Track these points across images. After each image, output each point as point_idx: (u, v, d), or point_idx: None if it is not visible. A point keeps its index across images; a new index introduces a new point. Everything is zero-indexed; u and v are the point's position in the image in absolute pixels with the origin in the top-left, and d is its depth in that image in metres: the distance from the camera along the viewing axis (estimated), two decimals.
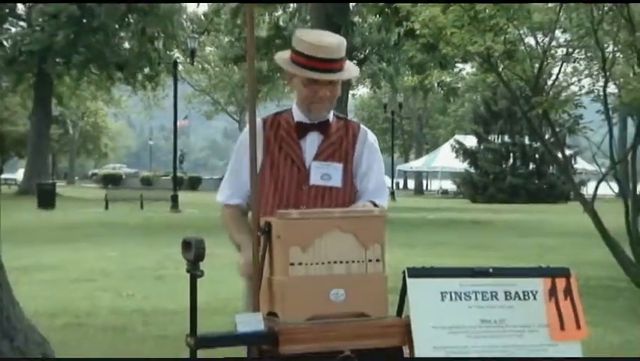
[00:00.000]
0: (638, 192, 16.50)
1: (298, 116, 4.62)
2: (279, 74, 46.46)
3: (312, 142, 4.60)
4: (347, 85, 33.42)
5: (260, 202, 4.36)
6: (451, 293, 4.01)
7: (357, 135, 4.66)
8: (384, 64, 45.42)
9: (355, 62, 41.38)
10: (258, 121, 4.61)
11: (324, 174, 4.54)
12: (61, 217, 32.37)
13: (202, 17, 53.45)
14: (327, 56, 4.49)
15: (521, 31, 17.07)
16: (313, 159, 4.57)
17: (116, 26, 51.44)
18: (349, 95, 37.88)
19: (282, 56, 4.70)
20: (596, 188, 17.69)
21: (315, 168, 4.55)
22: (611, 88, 17.76)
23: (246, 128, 4.52)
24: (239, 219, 4.65)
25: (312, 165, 4.56)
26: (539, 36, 17.57)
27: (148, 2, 48.34)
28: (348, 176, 4.59)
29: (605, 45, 16.50)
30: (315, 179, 4.54)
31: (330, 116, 4.64)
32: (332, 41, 4.53)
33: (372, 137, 4.74)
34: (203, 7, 52.95)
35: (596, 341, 9.12)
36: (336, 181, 4.55)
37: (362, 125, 4.77)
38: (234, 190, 4.67)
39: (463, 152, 62.30)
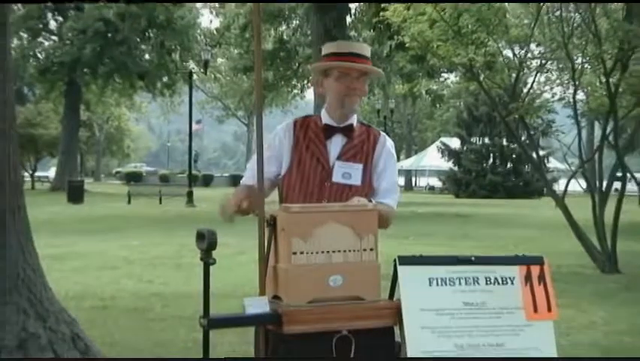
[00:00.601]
0: (603, 189, 16.52)
1: (326, 119, 4.65)
2: (283, 83, 46.50)
3: (336, 143, 4.62)
4: None
5: (287, 195, 4.55)
6: (437, 279, 4.02)
7: (377, 140, 4.67)
8: None
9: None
10: (290, 122, 4.74)
11: (345, 172, 4.56)
12: (88, 211, 32.38)
13: (214, 32, 53.33)
14: (359, 52, 4.61)
15: (500, 45, 17.08)
16: (336, 159, 4.59)
17: (138, 40, 51.46)
18: None
19: (316, 64, 4.86)
20: (567, 185, 17.70)
21: (337, 167, 4.57)
22: (580, 95, 17.79)
23: (280, 126, 4.74)
24: (244, 192, 4.57)
25: (336, 164, 4.58)
26: (516, 49, 17.58)
27: (164, 2, 48.03)
28: (367, 176, 4.59)
29: (575, 57, 16.52)
30: (337, 177, 4.55)
31: (355, 122, 4.67)
32: (361, 44, 4.74)
33: (390, 143, 4.75)
34: (216, 22, 53.12)
35: (566, 322, 9.14)
36: (356, 180, 4.56)
37: (382, 132, 4.78)
38: (253, 174, 4.66)
39: (448, 152, 62.29)
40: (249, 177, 4.60)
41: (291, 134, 4.62)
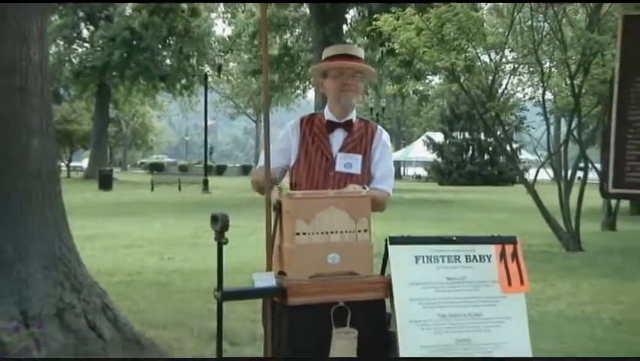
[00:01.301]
0: (568, 178, 16.54)
1: (329, 116, 4.66)
2: (287, 84, 46.45)
3: (338, 137, 4.63)
4: None
5: (296, 183, 4.57)
6: (423, 257, 4.02)
7: (374, 133, 4.68)
8: None
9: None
10: (297, 120, 4.75)
11: (347, 163, 4.57)
12: (116, 197, 32.38)
13: (227, 39, 53.27)
14: (352, 53, 4.65)
15: (478, 51, 17.05)
16: (338, 151, 4.60)
17: (160, 47, 51.40)
18: None
19: (316, 66, 4.90)
20: (536, 174, 17.73)
21: (339, 159, 4.58)
22: (548, 95, 17.80)
23: (290, 122, 4.75)
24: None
25: (338, 155, 4.58)
26: (492, 54, 17.55)
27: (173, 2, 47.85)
28: (366, 165, 4.60)
29: (543, 62, 16.53)
30: (339, 167, 4.56)
31: (354, 117, 4.67)
32: (355, 47, 4.78)
33: (385, 135, 4.75)
34: (228, 31, 53.00)
35: (536, 294, 9.16)
36: (356, 169, 4.56)
37: (379, 126, 4.79)
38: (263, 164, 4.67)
39: (432, 145, 62.22)
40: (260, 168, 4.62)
41: (299, 131, 4.64)
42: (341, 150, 4.59)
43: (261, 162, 4.53)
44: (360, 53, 4.70)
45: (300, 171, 4.57)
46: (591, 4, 15.61)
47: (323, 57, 4.75)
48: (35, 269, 5.99)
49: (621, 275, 11.94)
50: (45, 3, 6.55)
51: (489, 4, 20.81)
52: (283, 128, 4.75)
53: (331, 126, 4.64)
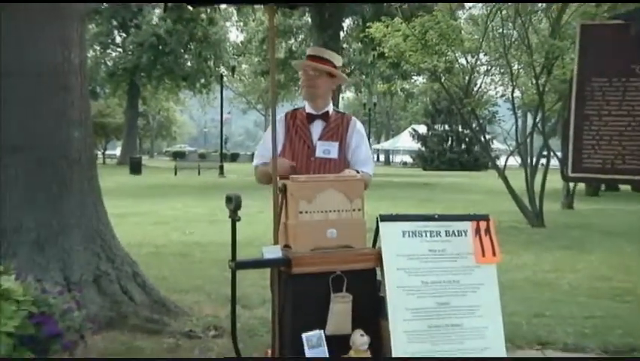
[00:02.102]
0: (533, 164, 16.55)
1: (308, 109, 4.65)
2: (291, 83, 46.27)
3: (317, 127, 4.62)
4: (338, 90, 33.49)
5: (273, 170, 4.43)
6: (409, 232, 4.02)
7: (349, 123, 4.66)
8: (363, 76, 45.26)
9: (344, 74, 41.16)
10: (282, 115, 4.73)
11: (325, 149, 4.56)
12: (145, 180, 32.38)
13: (240, 44, 53.07)
14: (316, 54, 4.65)
15: (456, 54, 17.00)
16: (318, 139, 4.59)
17: (182, 51, 51.29)
18: (340, 98, 37.78)
19: (293, 63, 4.88)
20: (506, 161, 17.75)
21: (319, 146, 4.57)
22: (517, 93, 17.77)
23: (279, 116, 4.67)
24: (266, 171, 4.60)
25: (317, 143, 4.57)
26: (469, 57, 17.50)
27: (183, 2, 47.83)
28: (342, 151, 4.58)
29: (512, 64, 16.49)
30: (319, 153, 4.55)
31: (330, 110, 4.66)
32: (323, 48, 4.72)
33: (359, 124, 4.75)
34: (241, 37, 52.81)
35: (505, 264, 9.13)
36: (334, 154, 4.55)
37: (353, 117, 4.79)
38: (262, 157, 4.66)
39: (417, 136, 61.98)
40: (261, 158, 4.65)
41: (284, 124, 4.64)
42: (320, 138, 4.59)
43: (259, 159, 4.64)
44: (328, 55, 4.68)
45: (285, 157, 4.54)
46: (553, 14, 15.58)
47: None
48: (76, 242, 6.01)
49: (578, 247, 11.96)
50: (84, 13, 6.52)
51: (466, 13, 20.75)
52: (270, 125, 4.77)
53: (311, 118, 4.63)
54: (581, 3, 14.69)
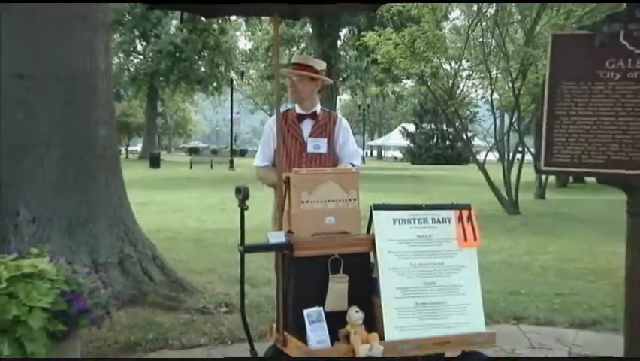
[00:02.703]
0: (510, 159, 16.56)
1: (298, 110, 4.67)
2: None
3: (307, 125, 4.63)
4: (335, 93, 33.47)
5: (278, 165, 4.46)
6: (399, 219, 4.01)
7: (336, 121, 4.68)
8: (358, 80, 45.11)
9: (341, 79, 41.21)
10: (274, 117, 4.66)
11: (316, 145, 4.58)
12: (163, 173, 32.40)
13: (248, 52, 52.92)
14: (299, 62, 4.67)
15: (441, 61, 16.99)
16: (309, 136, 4.60)
17: (196, 58, 51.18)
18: (337, 100, 37.77)
19: (281, 70, 4.78)
20: (485, 156, 17.77)
21: (310, 142, 4.59)
22: (495, 95, 17.75)
23: (269, 119, 4.75)
24: (268, 171, 4.65)
25: (308, 140, 4.59)
26: (452, 64, 17.49)
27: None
28: (331, 146, 4.60)
29: (491, 70, 16.47)
30: (310, 149, 4.58)
31: (318, 109, 4.67)
32: (306, 56, 4.75)
33: (345, 121, 4.76)
34: (249, 45, 52.65)
35: (484, 248, 9.16)
36: (323, 150, 4.58)
37: (339, 115, 4.81)
38: (262, 157, 4.71)
39: (406, 134, 61.83)
40: (262, 160, 4.73)
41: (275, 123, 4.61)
42: (310, 135, 4.60)
43: (259, 161, 4.74)
44: (310, 61, 4.68)
45: (280, 154, 4.50)
46: (527, 25, 15.56)
47: None
48: (102, 228, 6.02)
49: (549, 233, 11.98)
50: (108, 24, 6.52)
51: (450, 24, 20.70)
52: (266, 123, 4.78)
53: (300, 117, 4.64)
54: (555, 14, 14.67)
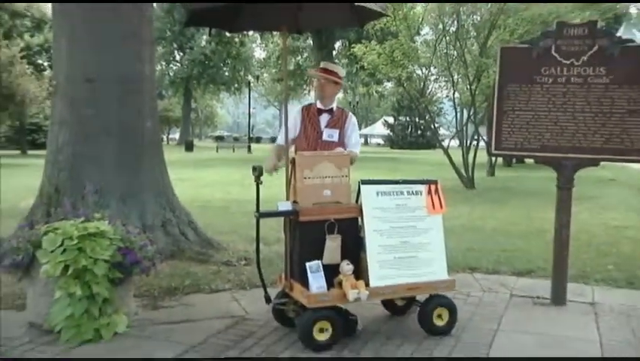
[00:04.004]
0: (468, 145, 16.50)
1: (318, 105, 4.60)
2: (298, 87, 45.91)
3: (324, 118, 4.57)
4: None
5: (298, 148, 4.48)
6: (381, 192, 4.02)
7: (347, 117, 4.62)
8: (349, 82, 44.85)
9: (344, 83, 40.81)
10: (299, 107, 4.65)
11: (330, 134, 4.52)
12: (195, 156, 32.28)
13: (262, 59, 52.57)
14: (328, 68, 4.59)
15: (415, 67, 16.88)
16: (325, 127, 4.54)
17: (222, 65, 50.88)
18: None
19: (309, 72, 4.76)
20: (449, 143, 17.68)
21: (325, 132, 4.53)
22: (457, 95, 17.64)
23: (295, 109, 4.63)
24: (277, 149, 4.57)
25: (324, 130, 4.53)
26: (423, 69, 17.38)
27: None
28: (342, 136, 4.55)
29: (454, 75, 16.38)
30: (325, 137, 4.51)
31: (334, 107, 4.61)
32: (332, 63, 4.71)
33: (354, 119, 4.69)
34: (263, 54, 52.19)
35: (448, 214, 9.02)
36: (336, 138, 4.52)
37: (350, 112, 4.74)
38: (281, 138, 4.61)
39: (387, 125, 61.57)
40: (280, 140, 4.60)
41: (300, 114, 4.58)
42: (326, 126, 4.54)
43: (279, 139, 4.57)
44: (333, 67, 4.61)
45: (301, 140, 4.52)
46: (481, 40, 15.46)
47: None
48: (149, 197, 6.03)
49: (498, 202, 11.98)
50: (154, 39, 6.48)
51: (421, 38, 20.53)
52: (294, 111, 4.72)
53: (320, 112, 4.58)
54: (502, 31, 14.57)
